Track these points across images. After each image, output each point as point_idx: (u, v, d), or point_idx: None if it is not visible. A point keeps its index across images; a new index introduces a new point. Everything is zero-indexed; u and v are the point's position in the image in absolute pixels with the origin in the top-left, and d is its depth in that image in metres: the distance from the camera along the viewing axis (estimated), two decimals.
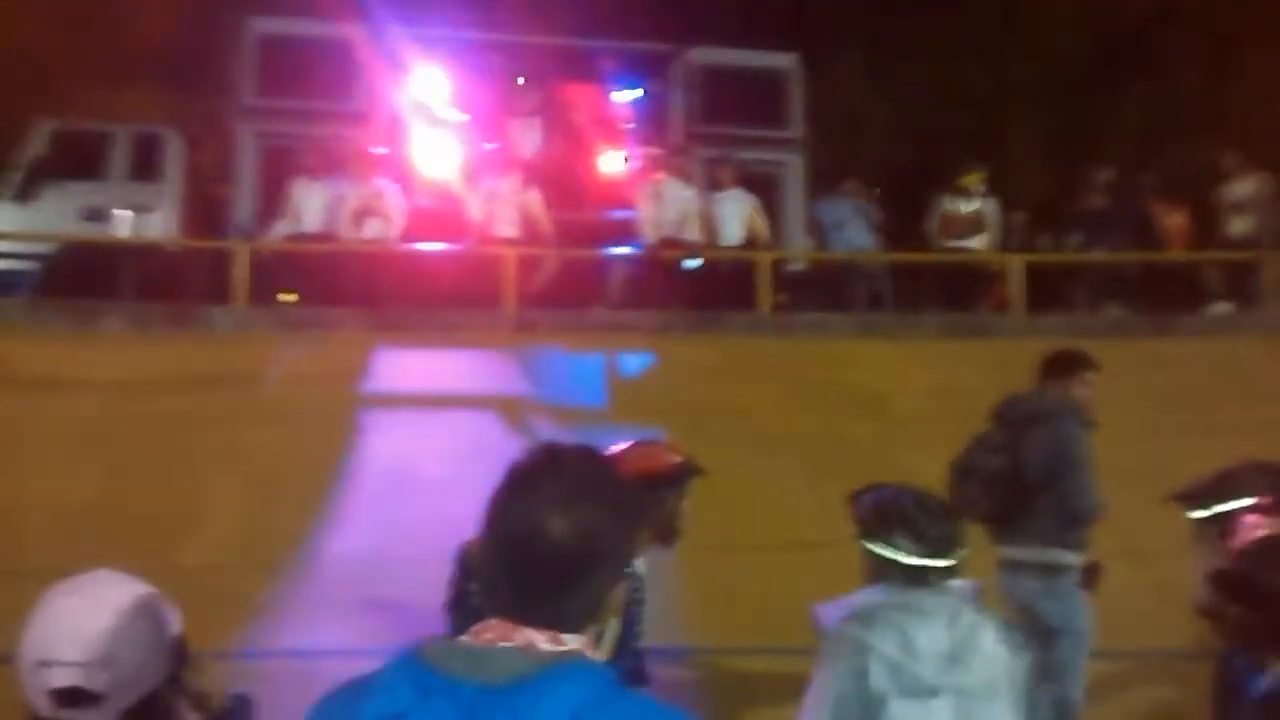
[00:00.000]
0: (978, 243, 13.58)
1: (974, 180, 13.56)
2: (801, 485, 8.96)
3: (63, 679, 1.98)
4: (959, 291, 13.79)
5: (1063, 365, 5.83)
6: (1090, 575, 5.59)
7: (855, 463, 8.79)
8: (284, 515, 7.91)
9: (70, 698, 1.99)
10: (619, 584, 1.74)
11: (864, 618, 3.26)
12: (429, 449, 9.00)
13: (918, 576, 3.31)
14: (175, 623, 2.18)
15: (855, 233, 13.87)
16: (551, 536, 1.65)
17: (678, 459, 3.92)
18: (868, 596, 3.36)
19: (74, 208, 13.25)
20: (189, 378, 9.97)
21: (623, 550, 1.75)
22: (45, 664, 1.99)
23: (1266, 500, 3.50)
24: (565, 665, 1.62)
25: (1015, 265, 13.23)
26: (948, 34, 16.11)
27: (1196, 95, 16.60)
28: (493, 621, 1.69)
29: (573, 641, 1.67)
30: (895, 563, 3.34)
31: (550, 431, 9.02)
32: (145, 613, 2.10)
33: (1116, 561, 6.04)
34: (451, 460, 8.45)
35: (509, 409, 9.98)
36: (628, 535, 1.77)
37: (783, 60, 15.10)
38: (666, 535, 3.86)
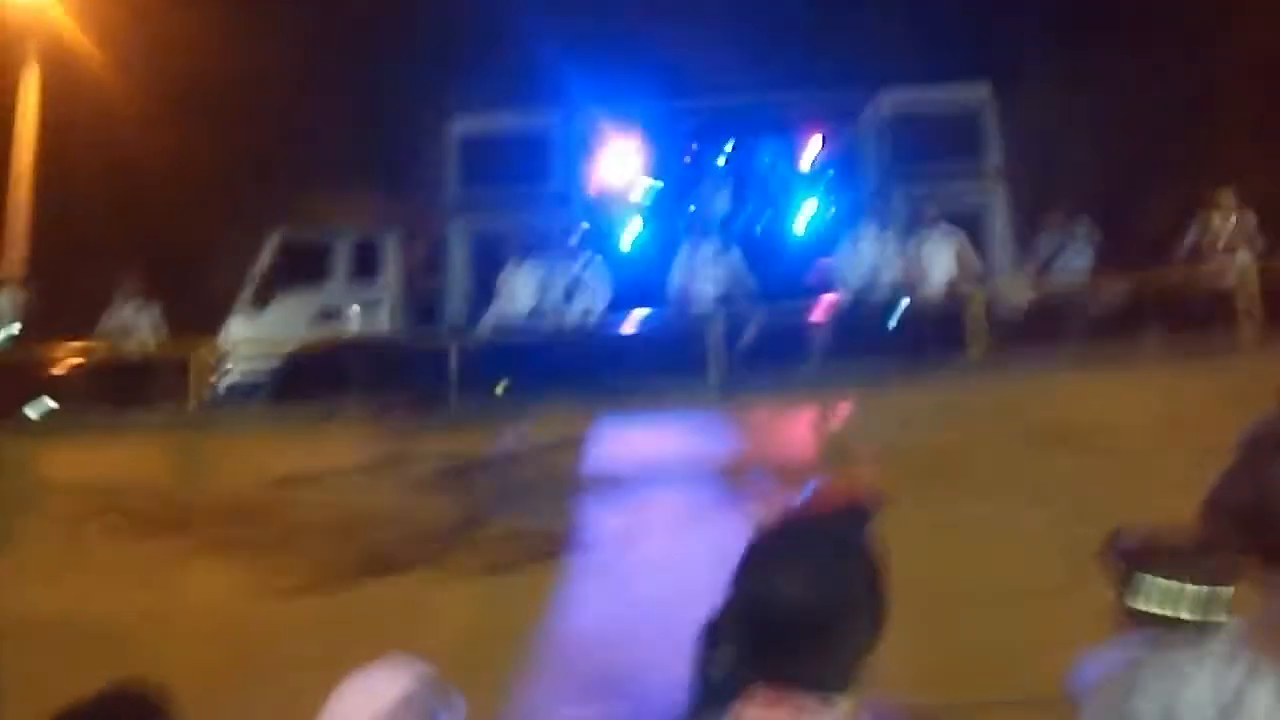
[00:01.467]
0: (1241, 258, 12.89)
1: (1227, 195, 12.98)
2: (1034, 530, 8.67)
3: None
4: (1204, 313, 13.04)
5: None
6: None
7: (1085, 503, 8.47)
8: (520, 596, 8.13)
9: None
10: (870, 642, 1.77)
11: (1122, 680, 3.08)
12: (650, 521, 9.11)
13: (1177, 629, 3.14)
14: (454, 709, 2.29)
15: (1075, 259, 13.38)
16: (794, 603, 1.70)
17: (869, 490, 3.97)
18: (1125, 654, 3.19)
19: (304, 312, 14.06)
20: (415, 470, 10.38)
21: (870, 604, 1.77)
22: None
23: None
24: None
25: (1248, 279, 12.51)
26: (1144, 44, 15.50)
27: None
28: (760, 691, 1.72)
29: (843, 702, 1.70)
30: (1152, 614, 3.19)
31: (766, 493, 9.02)
32: (413, 703, 2.22)
33: None
34: (673, 532, 8.54)
35: (724, 473, 10.02)
36: (871, 589, 1.79)
37: (975, 91, 14.83)
38: None
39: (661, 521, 9.08)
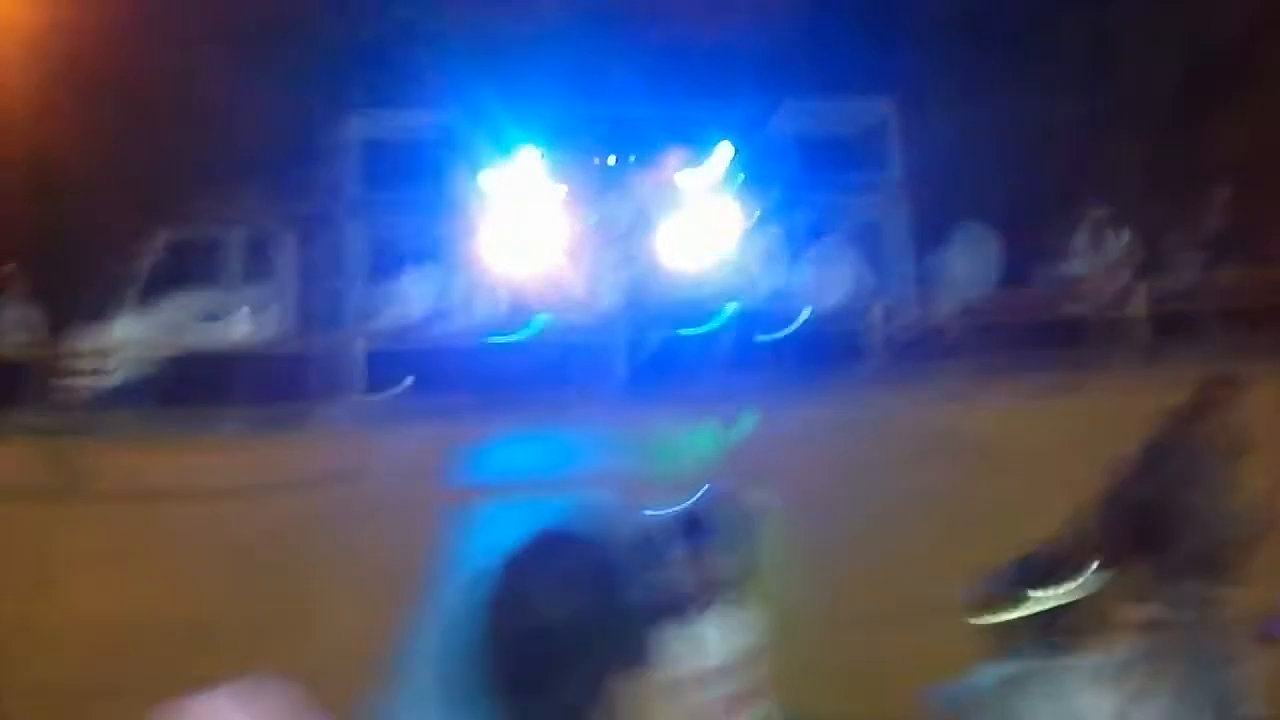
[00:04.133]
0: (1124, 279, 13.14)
1: (1103, 217, 13.22)
2: (928, 547, 8.69)
3: None
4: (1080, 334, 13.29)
5: (1208, 394, 5.56)
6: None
7: (980, 518, 8.52)
8: (403, 616, 7.90)
9: None
10: (615, 673, 1.62)
11: (1001, 696, 3.09)
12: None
13: (1059, 648, 3.13)
14: None
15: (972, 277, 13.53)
16: (532, 623, 1.58)
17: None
18: (988, 676, 3.19)
19: (191, 313, 13.64)
20: (306, 478, 10.10)
21: (610, 636, 1.63)
22: None
23: None
24: None
25: (1137, 296, 12.77)
26: (1043, 66, 15.79)
27: None
28: None
29: None
30: (1030, 633, 3.17)
31: (658, 505, 8.91)
32: None
33: None
34: None
35: (621, 486, 9.90)
36: (612, 619, 1.64)
37: (876, 106, 14.98)
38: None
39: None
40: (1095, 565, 3.28)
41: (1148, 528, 5.20)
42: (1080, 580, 3.20)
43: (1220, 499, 5.23)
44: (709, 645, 3.68)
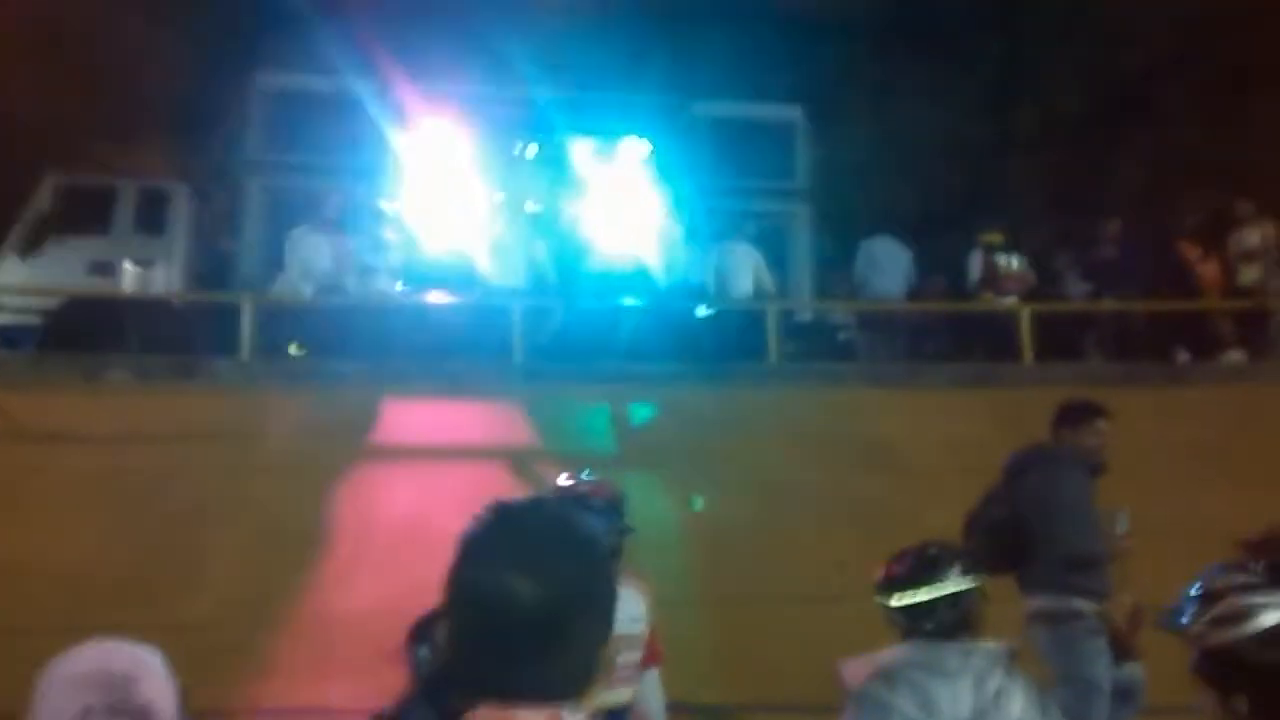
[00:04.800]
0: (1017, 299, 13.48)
1: (998, 238, 13.55)
2: (813, 538, 8.84)
3: None
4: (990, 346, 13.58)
5: (1074, 414, 5.76)
6: (1132, 621, 5.43)
7: (866, 515, 8.70)
8: (291, 570, 7.80)
9: None
10: (607, 639, 1.58)
11: (887, 676, 3.20)
12: (438, 502, 8.88)
13: (937, 632, 3.26)
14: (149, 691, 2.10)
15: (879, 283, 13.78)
16: (520, 600, 1.49)
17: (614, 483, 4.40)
18: (893, 654, 3.30)
19: (80, 262, 13.23)
20: (194, 431, 9.88)
21: (602, 602, 1.59)
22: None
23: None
24: None
25: (1024, 314, 13.16)
26: (951, 85, 16.19)
27: (1199, 143, 16.63)
28: (481, 711, 1.51)
29: (572, 715, 1.51)
30: (904, 611, 3.32)
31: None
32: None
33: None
34: (462, 514, 8.32)
35: (518, 459, 9.89)
36: (601, 585, 1.60)
37: (788, 112, 15.16)
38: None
39: (447, 505, 8.86)
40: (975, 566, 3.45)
41: (1003, 545, 5.37)
42: (963, 575, 3.36)
43: (1076, 517, 5.41)
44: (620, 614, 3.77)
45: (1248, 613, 1.87)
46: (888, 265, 13.67)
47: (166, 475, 8.97)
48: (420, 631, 3.22)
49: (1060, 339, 13.55)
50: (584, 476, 4.44)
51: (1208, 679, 1.90)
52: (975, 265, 13.56)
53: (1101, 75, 16.87)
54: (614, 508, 4.28)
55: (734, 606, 7.97)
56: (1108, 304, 13.82)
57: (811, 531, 8.98)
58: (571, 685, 1.53)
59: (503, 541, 1.57)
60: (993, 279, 13.40)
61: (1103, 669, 5.33)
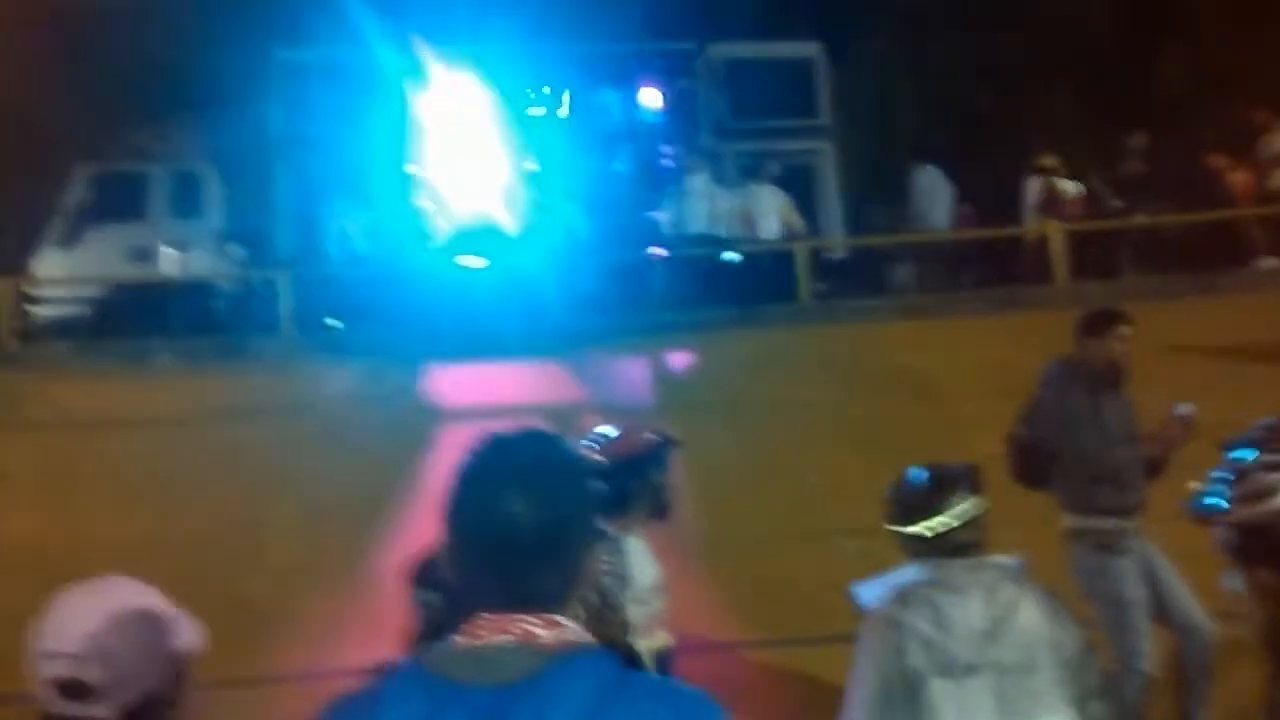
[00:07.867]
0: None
1: (1054, 162, 13.46)
2: (858, 473, 8.87)
3: (58, 669, 2.04)
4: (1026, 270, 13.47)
5: (1096, 322, 5.73)
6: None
7: (908, 446, 8.71)
8: (345, 538, 7.95)
9: (68, 690, 2.04)
10: (592, 551, 1.74)
11: (900, 596, 3.26)
12: None
13: (949, 551, 3.31)
14: (185, 637, 2.19)
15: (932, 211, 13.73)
16: (515, 516, 1.65)
17: (651, 436, 4.11)
18: (904, 575, 3.36)
19: (118, 249, 13.44)
20: (241, 409, 10.07)
21: (587, 516, 1.75)
22: (46, 655, 2.05)
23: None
24: (572, 656, 1.62)
25: (1057, 235, 13.08)
26: (974, 7, 15.94)
27: (1229, 54, 16.30)
28: (483, 617, 1.66)
29: (568, 622, 1.67)
30: (918, 538, 3.37)
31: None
32: (145, 617, 2.13)
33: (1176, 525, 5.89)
34: None
35: (561, 418, 9.97)
36: (588, 501, 1.76)
37: (806, 49, 15.05)
38: (658, 510, 4.04)
39: None
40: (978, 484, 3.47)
41: (1029, 465, 5.38)
42: (970, 495, 3.39)
43: (1087, 431, 5.39)
44: (639, 566, 3.82)
45: (1272, 488, 1.93)
46: (938, 196, 13.63)
47: (217, 455, 9.16)
48: (423, 575, 3.17)
49: (1095, 258, 13.47)
50: (606, 433, 4.16)
51: (1235, 553, 1.95)
52: (1033, 190, 13.49)
53: None
54: (651, 458, 4.04)
55: (782, 543, 8.05)
56: (1139, 219, 13.71)
57: (854, 466, 9.02)
58: (563, 592, 1.70)
59: (498, 467, 1.70)
60: (1052, 203, 13.33)
61: (1131, 586, 5.32)
